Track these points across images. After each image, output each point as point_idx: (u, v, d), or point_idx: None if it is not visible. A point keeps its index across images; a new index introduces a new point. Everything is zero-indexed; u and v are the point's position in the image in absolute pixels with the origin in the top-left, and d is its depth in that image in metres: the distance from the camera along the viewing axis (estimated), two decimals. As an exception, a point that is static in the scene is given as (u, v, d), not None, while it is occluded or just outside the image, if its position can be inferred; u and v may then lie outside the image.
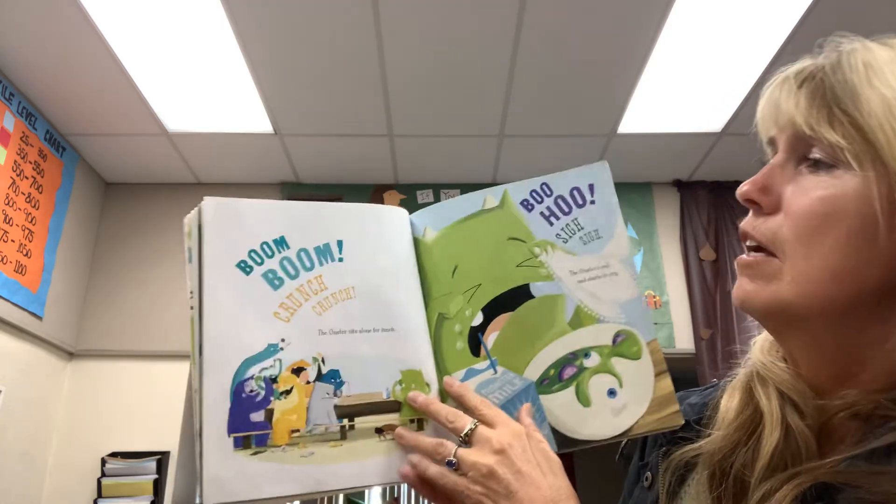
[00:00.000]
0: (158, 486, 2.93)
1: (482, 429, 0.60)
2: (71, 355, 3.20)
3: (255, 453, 0.62)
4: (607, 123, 3.07)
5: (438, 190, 3.55)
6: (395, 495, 6.62)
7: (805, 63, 0.56)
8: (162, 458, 2.98)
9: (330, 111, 2.96)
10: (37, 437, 2.92)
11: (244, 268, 0.68)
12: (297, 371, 0.66)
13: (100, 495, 2.89)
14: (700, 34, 2.53)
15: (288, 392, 0.65)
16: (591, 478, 5.85)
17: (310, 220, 0.72)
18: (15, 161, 2.72)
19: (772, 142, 0.58)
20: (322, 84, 2.76)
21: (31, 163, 2.83)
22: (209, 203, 0.68)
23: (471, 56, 2.62)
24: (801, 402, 0.53)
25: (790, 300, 0.52)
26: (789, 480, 0.49)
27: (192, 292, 0.67)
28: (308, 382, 0.66)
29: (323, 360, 0.67)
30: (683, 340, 3.30)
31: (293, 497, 0.63)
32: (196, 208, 0.68)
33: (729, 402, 0.60)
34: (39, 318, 2.90)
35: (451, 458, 0.59)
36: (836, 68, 0.53)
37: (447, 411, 0.64)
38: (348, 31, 2.47)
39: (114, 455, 2.97)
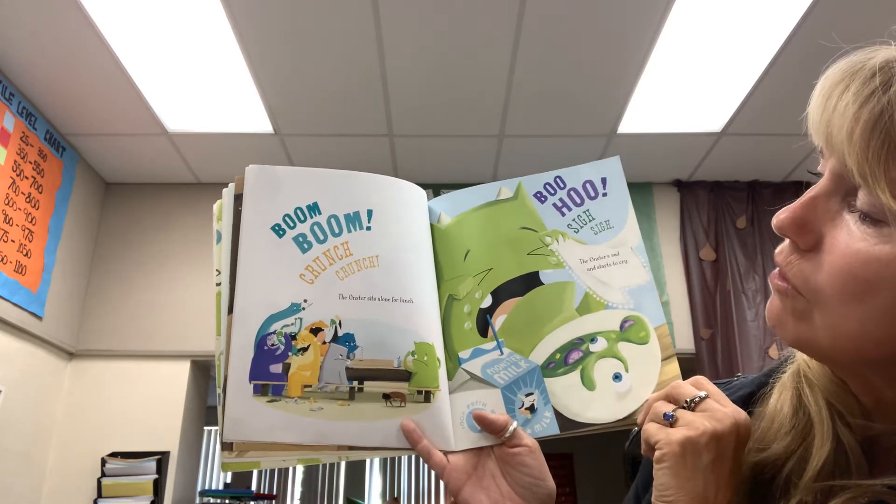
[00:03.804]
0: (158, 486, 2.93)
1: (710, 402, 0.56)
2: (71, 355, 3.20)
3: (271, 401, 0.67)
4: (607, 123, 3.08)
5: (438, 190, 3.55)
6: (395, 495, 6.62)
7: (877, 57, 0.45)
8: (162, 458, 2.98)
9: (330, 111, 2.96)
10: (37, 437, 2.92)
11: (278, 231, 0.73)
12: (316, 331, 0.70)
13: (100, 495, 2.90)
14: (700, 34, 2.53)
15: (305, 349, 0.69)
16: (591, 478, 5.86)
17: (342, 188, 0.75)
18: (15, 161, 2.72)
19: (820, 151, 0.49)
20: (322, 84, 2.77)
21: (31, 163, 2.83)
22: (252, 169, 0.74)
23: (471, 56, 2.62)
24: (847, 415, 0.51)
25: (821, 346, 0.49)
26: (839, 493, 0.47)
27: (218, 270, 0.72)
28: (324, 343, 0.70)
29: (340, 323, 0.71)
30: (683, 340, 3.30)
31: (299, 445, 0.67)
32: (226, 189, 0.74)
33: (777, 404, 0.57)
34: (39, 318, 2.90)
35: (670, 412, 0.56)
36: None
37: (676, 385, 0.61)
38: (348, 31, 2.47)
39: (114, 455, 2.97)
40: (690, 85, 2.82)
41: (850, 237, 0.46)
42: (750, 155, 3.33)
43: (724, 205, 3.52)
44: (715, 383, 0.65)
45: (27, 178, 2.80)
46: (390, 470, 6.67)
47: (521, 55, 2.61)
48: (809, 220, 0.49)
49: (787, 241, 0.51)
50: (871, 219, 0.45)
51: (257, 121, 3.01)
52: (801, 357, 0.58)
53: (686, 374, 0.67)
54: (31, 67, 2.63)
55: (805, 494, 0.49)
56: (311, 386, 0.68)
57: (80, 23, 2.40)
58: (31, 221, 2.83)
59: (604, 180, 0.79)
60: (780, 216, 0.50)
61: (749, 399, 0.61)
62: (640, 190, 3.58)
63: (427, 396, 0.70)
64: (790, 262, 0.50)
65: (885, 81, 0.44)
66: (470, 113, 2.99)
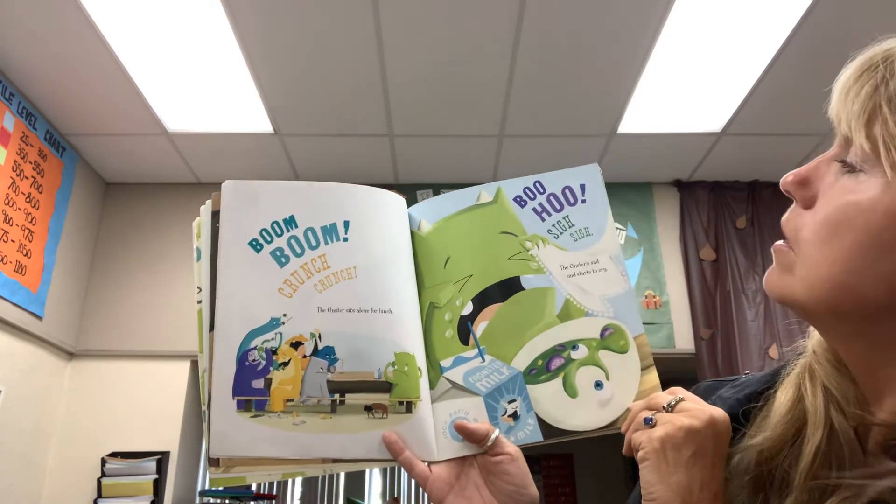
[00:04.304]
0: (158, 486, 2.93)
1: (686, 403, 0.58)
2: (71, 355, 3.20)
3: (254, 416, 0.68)
4: (607, 123, 3.08)
5: (438, 190, 3.55)
6: (396, 495, 6.61)
7: (882, 46, 0.51)
8: (162, 458, 2.98)
9: (330, 111, 2.96)
10: (37, 437, 2.92)
11: (255, 246, 0.73)
12: (296, 345, 0.70)
13: (100, 495, 2.90)
14: (700, 34, 2.53)
15: (286, 364, 0.70)
16: (591, 478, 5.86)
17: (319, 200, 0.75)
18: (15, 161, 2.72)
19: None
20: (322, 84, 2.77)
21: (31, 163, 2.83)
22: (229, 185, 0.74)
23: (471, 56, 2.62)
24: (843, 402, 0.52)
25: (800, 298, 0.52)
26: (837, 491, 0.47)
27: (199, 288, 0.72)
28: (305, 356, 0.70)
29: (320, 337, 0.71)
30: (683, 340, 3.30)
31: (283, 459, 0.68)
32: (204, 206, 0.74)
33: (782, 397, 0.58)
34: (39, 318, 2.90)
35: (650, 417, 0.58)
36: None
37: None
38: (348, 31, 2.47)
39: (114, 455, 2.97)
40: (690, 85, 2.82)
41: (836, 191, 0.50)
42: (750, 155, 3.32)
43: (724, 205, 3.51)
44: (723, 380, 0.67)
45: (27, 178, 2.80)
46: (390, 470, 6.67)
47: (521, 55, 2.61)
48: (811, 179, 0.53)
49: (793, 203, 0.55)
50: (855, 170, 0.49)
51: (257, 121, 3.01)
52: (809, 350, 0.59)
53: (687, 374, 0.67)
54: (31, 67, 2.63)
55: (801, 492, 0.50)
56: (293, 400, 0.69)
57: (80, 23, 2.40)
58: (31, 221, 2.83)
59: (582, 187, 0.79)
60: (788, 177, 0.54)
61: (754, 396, 0.62)
62: (640, 190, 3.58)
63: (408, 407, 0.71)
64: (789, 219, 0.54)
65: (885, 59, 0.49)
66: (470, 113, 2.99)
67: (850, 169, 0.49)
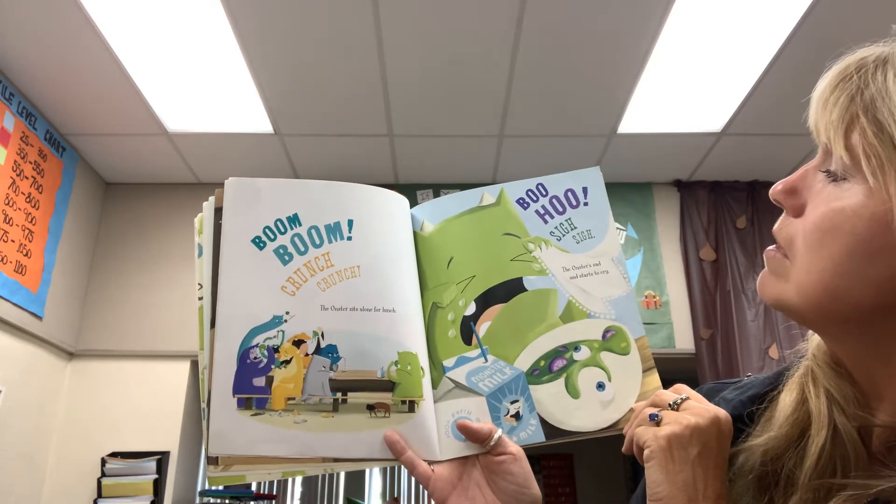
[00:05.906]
0: (158, 486, 2.93)
1: (691, 402, 0.58)
2: (71, 355, 3.20)
3: (255, 414, 0.67)
4: (607, 123, 3.08)
5: (438, 190, 3.55)
6: (396, 495, 6.61)
7: (855, 56, 0.53)
8: (162, 458, 2.98)
9: (330, 111, 2.96)
10: (37, 437, 2.92)
11: (258, 243, 0.72)
12: (298, 343, 0.70)
13: (100, 495, 2.90)
14: (700, 34, 2.53)
15: (287, 362, 0.69)
16: (591, 478, 5.86)
17: (323, 199, 0.75)
18: (15, 161, 2.72)
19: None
20: (322, 84, 2.77)
21: (31, 163, 2.83)
22: (232, 182, 0.74)
23: (471, 56, 2.62)
24: (843, 404, 0.53)
25: (794, 303, 0.53)
26: (838, 492, 0.48)
27: (200, 284, 0.72)
28: (307, 355, 0.70)
29: (322, 335, 0.70)
30: (683, 340, 3.30)
31: (284, 458, 0.67)
32: (207, 202, 0.74)
33: (787, 398, 0.59)
34: (39, 318, 2.90)
35: (656, 413, 0.58)
36: (881, 66, 0.49)
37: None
38: (348, 31, 2.47)
39: (114, 455, 2.97)
40: (690, 85, 2.82)
41: (823, 198, 0.52)
42: (750, 155, 3.32)
43: (724, 205, 3.52)
44: (726, 382, 0.68)
45: (27, 178, 2.80)
46: (390, 470, 6.66)
47: (521, 55, 2.61)
48: (798, 188, 0.54)
49: (784, 212, 0.56)
50: (838, 178, 0.50)
51: (257, 121, 3.01)
52: (810, 353, 0.59)
53: (687, 374, 0.68)
54: (31, 67, 2.63)
55: (805, 492, 0.50)
56: (294, 398, 0.68)
57: (80, 23, 2.40)
58: (31, 221, 2.83)
59: (585, 190, 0.80)
60: (777, 186, 0.56)
61: (757, 398, 0.62)
62: (640, 190, 3.58)
63: (411, 406, 0.70)
64: (781, 228, 0.56)
65: (858, 68, 0.51)
66: (470, 113, 2.99)
67: (833, 178, 0.51)
